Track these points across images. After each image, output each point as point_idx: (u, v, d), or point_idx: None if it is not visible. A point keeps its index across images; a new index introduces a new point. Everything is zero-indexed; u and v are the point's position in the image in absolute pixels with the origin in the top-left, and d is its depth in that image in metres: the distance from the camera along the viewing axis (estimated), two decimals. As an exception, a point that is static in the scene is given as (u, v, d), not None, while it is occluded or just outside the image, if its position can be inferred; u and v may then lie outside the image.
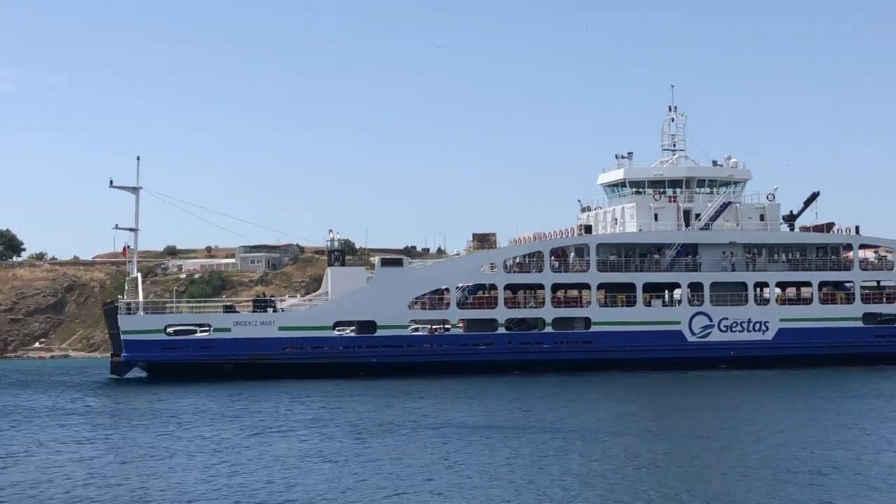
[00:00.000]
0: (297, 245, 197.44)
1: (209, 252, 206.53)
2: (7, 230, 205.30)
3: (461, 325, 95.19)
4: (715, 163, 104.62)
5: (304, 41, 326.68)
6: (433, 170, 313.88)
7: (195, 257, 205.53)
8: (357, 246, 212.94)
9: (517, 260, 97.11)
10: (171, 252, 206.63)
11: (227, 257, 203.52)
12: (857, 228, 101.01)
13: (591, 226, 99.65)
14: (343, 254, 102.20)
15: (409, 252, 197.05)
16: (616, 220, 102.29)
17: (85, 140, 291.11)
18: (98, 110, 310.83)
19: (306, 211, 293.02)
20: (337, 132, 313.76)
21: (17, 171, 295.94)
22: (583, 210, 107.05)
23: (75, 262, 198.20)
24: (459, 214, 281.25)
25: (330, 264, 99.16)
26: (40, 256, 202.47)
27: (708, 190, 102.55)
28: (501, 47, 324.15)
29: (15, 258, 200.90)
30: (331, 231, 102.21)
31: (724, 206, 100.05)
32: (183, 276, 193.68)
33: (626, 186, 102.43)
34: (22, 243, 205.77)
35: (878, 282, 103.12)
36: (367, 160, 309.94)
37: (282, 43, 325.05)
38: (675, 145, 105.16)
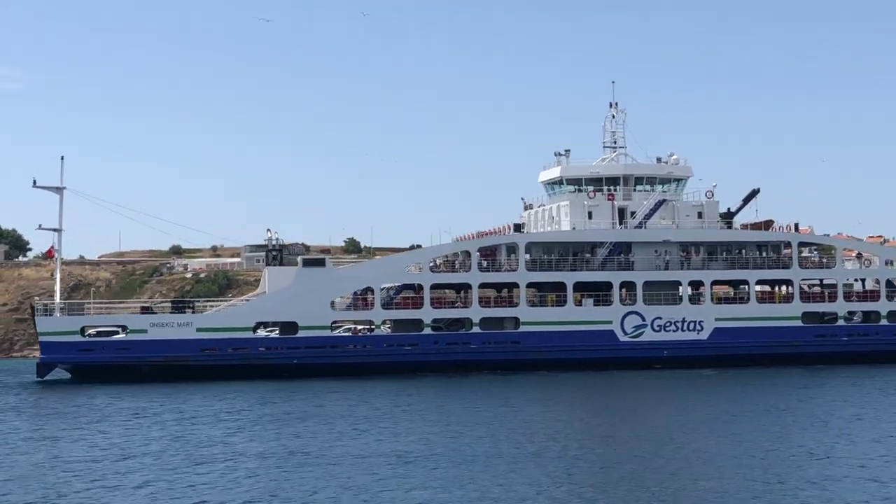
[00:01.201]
0: (303, 244, 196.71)
1: (215, 251, 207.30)
2: (13, 230, 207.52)
3: (389, 325, 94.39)
4: (659, 160, 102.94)
5: (304, 41, 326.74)
6: (437, 167, 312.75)
7: (200, 256, 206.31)
8: (363, 245, 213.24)
9: (444, 259, 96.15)
10: (177, 251, 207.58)
11: (232, 256, 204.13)
12: (795, 226, 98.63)
13: (521, 224, 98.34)
14: (280, 253, 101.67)
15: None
16: (553, 217, 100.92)
17: (85, 139, 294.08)
18: (99, 110, 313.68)
19: (311, 210, 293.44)
20: (341, 132, 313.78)
21: (21, 170, 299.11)
22: (525, 208, 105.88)
23: (81, 261, 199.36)
24: (464, 212, 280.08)
25: (268, 264, 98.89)
26: (46, 256, 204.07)
27: (647, 188, 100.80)
28: (519, 44, 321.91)
29: (21, 258, 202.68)
30: (269, 230, 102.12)
31: (660, 203, 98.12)
32: (188, 275, 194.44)
33: (563, 184, 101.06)
34: (28, 243, 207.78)
35: (821, 280, 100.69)
36: (371, 159, 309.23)
37: (282, 43, 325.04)
38: (615, 142, 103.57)
